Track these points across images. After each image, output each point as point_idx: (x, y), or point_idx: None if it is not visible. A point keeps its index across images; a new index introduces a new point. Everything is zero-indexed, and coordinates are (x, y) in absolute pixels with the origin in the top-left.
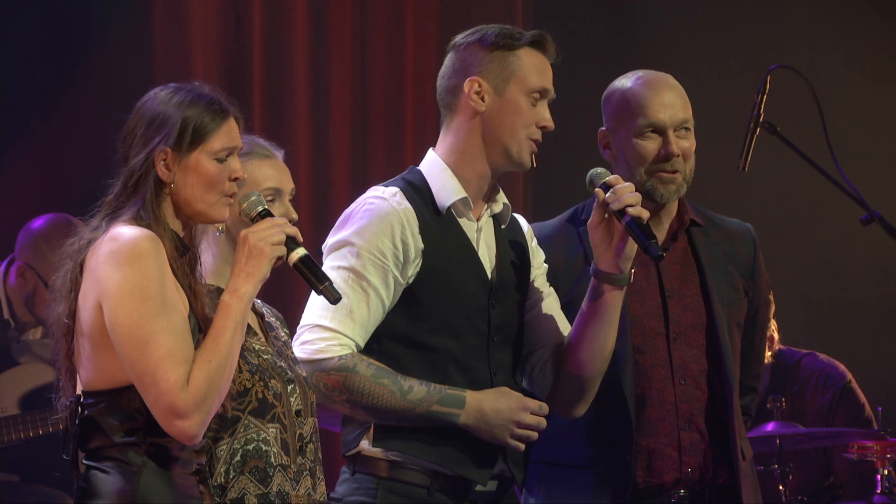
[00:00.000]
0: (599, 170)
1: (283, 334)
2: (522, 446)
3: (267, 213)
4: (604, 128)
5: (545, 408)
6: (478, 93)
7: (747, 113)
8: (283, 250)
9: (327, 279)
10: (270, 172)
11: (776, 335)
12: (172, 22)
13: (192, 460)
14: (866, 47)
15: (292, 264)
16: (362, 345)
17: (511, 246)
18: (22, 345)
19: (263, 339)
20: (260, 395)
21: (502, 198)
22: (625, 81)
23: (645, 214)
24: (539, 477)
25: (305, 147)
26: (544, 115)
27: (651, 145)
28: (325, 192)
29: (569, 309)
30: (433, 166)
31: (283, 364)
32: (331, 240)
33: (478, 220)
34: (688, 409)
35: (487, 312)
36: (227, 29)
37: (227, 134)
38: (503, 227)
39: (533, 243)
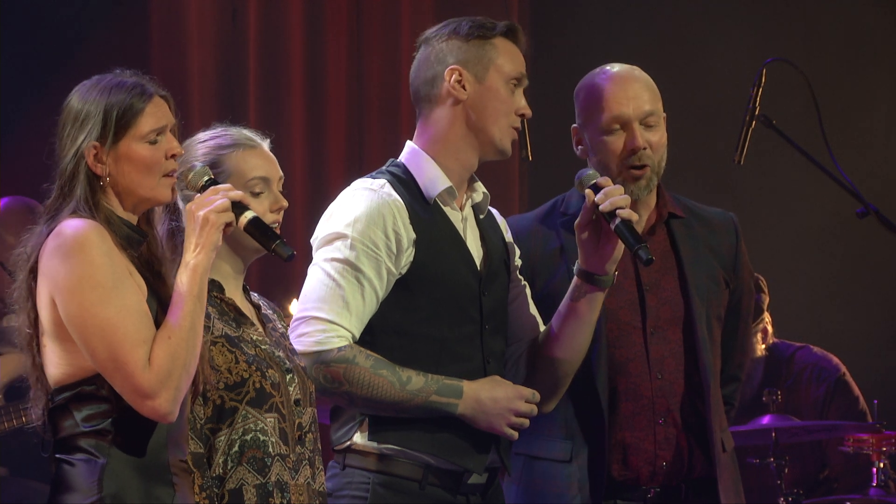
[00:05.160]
0: (590, 171)
1: (280, 326)
2: (517, 434)
3: (212, 183)
4: (575, 124)
5: (537, 395)
6: (459, 81)
7: (743, 106)
8: (230, 216)
9: (278, 237)
10: (256, 162)
11: (770, 328)
12: (168, 14)
13: (163, 449)
14: (862, 40)
15: (242, 227)
16: (358, 336)
17: (493, 236)
18: None
19: (261, 330)
20: (257, 385)
21: (481, 187)
22: (592, 76)
23: (634, 217)
24: (521, 470)
25: (301, 139)
26: (522, 102)
27: (618, 140)
28: (321, 184)
29: (543, 303)
30: (416, 157)
31: (281, 354)
32: (321, 232)
33: (461, 209)
34: (664, 404)
35: (479, 300)
36: (224, 21)
37: (154, 115)
38: (481, 217)
39: (509, 236)
